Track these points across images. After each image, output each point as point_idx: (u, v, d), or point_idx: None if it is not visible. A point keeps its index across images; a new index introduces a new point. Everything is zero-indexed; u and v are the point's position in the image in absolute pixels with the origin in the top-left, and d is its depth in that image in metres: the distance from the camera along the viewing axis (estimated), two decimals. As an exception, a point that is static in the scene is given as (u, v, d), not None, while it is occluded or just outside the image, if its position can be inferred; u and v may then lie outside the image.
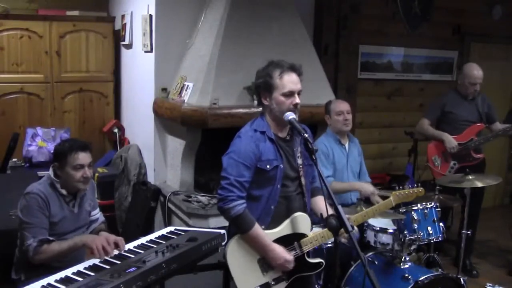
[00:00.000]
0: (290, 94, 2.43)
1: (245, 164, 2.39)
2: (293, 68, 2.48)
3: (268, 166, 2.43)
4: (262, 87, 2.49)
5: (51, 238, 2.51)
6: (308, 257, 2.53)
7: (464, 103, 4.22)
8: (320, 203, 2.60)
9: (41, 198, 2.54)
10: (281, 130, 2.52)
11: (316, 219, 2.59)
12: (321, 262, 2.53)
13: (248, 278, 2.41)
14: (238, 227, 2.41)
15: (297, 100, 2.43)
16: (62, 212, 2.63)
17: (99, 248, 2.34)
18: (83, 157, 2.62)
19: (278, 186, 2.46)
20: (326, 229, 2.45)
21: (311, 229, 2.55)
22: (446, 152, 4.18)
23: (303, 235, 2.49)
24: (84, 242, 2.43)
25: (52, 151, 2.75)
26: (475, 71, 4.14)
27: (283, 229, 2.47)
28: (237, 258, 2.42)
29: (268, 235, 2.42)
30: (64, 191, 2.65)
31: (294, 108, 2.43)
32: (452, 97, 4.28)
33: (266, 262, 2.44)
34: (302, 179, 2.53)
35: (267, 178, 2.45)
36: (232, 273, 2.40)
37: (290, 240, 2.47)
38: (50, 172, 2.67)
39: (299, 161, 2.52)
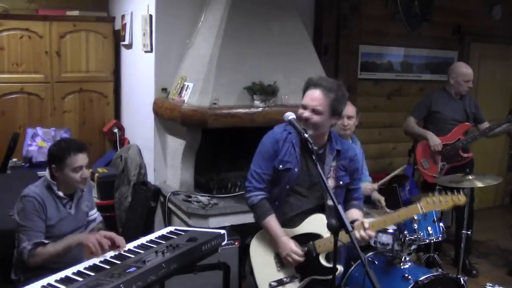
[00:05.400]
0: (303, 107, 2.50)
1: (264, 156, 2.52)
2: (326, 88, 2.46)
3: (280, 166, 2.50)
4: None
5: (46, 241, 2.49)
6: (326, 260, 2.48)
7: (451, 103, 4.23)
8: (351, 211, 2.60)
9: (37, 201, 2.53)
10: (316, 142, 2.43)
11: None
12: (336, 268, 2.35)
13: (265, 271, 2.52)
14: (254, 215, 2.58)
15: (305, 114, 2.45)
16: (59, 215, 2.62)
17: (95, 243, 2.32)
18: (81, 158, 2.61)
19: (287, 187, 2.52)
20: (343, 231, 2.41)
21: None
22: (434, 153, 4.18)
23: (319, 236, 2.49)
24: (78, 241, 2.43)
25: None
26: (465, 69, 4.20)
27: (301, 227, 2.52)
28: (258, 250, 2.55)
29: (284, 231, 2.50)
30: (60, 193, 2.63)
31: (300, 120, 2.43)
32: (439, 97, 4.28)
33: (281, 258, 2.51)
34: (327, 199, 2.47)
35: (278, 177, 2.53)
36: (252, 264, 2.53)
37: (306, 240, 2.50)
38: (47, 174, 2.65)
39: (330, 181, 2.49)
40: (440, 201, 2.43)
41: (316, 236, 2.49)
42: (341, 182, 2.56)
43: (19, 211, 2.54)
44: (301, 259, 2.45)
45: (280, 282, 2.48)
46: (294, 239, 2.49)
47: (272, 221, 2.49)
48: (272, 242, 2.52)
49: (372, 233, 2.39)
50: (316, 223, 2.49)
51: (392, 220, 2.56)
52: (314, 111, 2.45)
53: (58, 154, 2.59)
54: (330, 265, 2.45)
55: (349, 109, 3.45)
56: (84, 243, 2.38)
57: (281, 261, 2.51)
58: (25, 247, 2.46)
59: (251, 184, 2.55)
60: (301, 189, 2.53)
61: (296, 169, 2.49)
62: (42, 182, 2.65)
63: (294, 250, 2.45)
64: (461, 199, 2.45)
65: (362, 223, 2.38)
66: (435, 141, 4.13)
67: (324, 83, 2.48)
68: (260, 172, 2.52)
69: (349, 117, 3.42)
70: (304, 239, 2.49)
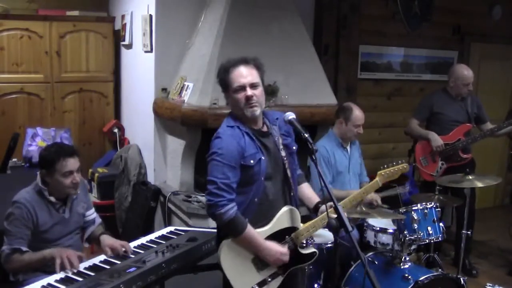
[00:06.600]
0: (240, 88, 2.34)
1: (230, 165, 2.30)
2: (244, 61, 2.39)
3: (252, 161, 2.34)
4: (221, 87, 2.46)
5: (24, 249, 2.45)
6: (302, 248, 2.49)
7: (452, 104, 4.23)
8: (306, 191, 2.60)
9: (26, 209, 2.50)
10: (255, 123, 2.43)
11: (313, 216, 2.56)
12: (315, 251, 2.50)
13: (244, 278, 2.38)
14: (231, 231, 2.34)
15: (248, 92, 2.32)
16: (52, 220, 2.58)
17: (63, 258, 2.30)
18: (72, 163, 2.56)
19: (262, 179, 2.39)
20: (316, 219, 2.45)
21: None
22: (434, 152, 4.19)
23: (295, 229, 2.46)
24: (52, 255, 2.38)
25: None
26: (466, 72, 4.18)
27: (274, 225, 2.42)
28: (231, 260, 2.37)
29: (259, 234, 2.38)
30: (52, 199, 2.59)
31: (246, 102, 2.33)
32: (440, 98, 4.28)
33: (260, 260, 2.40)
34: (288, 172, 2.46)
35: (252, 173, 2.36)
36: (228, 276, 2.36)
37: (282, 235, 2.43)
38: (38, 179, 2.62)
39: (283, 153, 2.45)
40: (392, 172, 2.77)
41: (288, 230, 2.44)
42: (294, 148, 2.51)
43: (8, 215, 2.51)
44: (288, 257, 2.41)
45: (263, 283, 2.40)
46: (269, 239, 2.40)
47: (252, 231, 2.33)
48: (246, 249, 2.37)
49: (345, 214, 2.36)
50: (286, 218, 2.44)
51: (358, 196, 2.67)
52: (253, 86, 2.35)
53: (48, 159, 2.55)
54: (309, 251, 2.51)
55: (363, 117, 3.54)
56: (55, 257, 2.33)
57: (260, 262, 2.40)
58: (3, 251, 2.45)
59: (222, 197, 2.26)
60: (270, 173, 2.42)
61: (263, 157, 2.39)
62: (33, 188, 2.61)
63: (284, 252, 2.38)
64: (405, 167, 2.81)
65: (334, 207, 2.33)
66: (438, 142, 4.13)
67: (245, 58, 2.39)
68: (228, 182, 2.27)
69: (362, 125, 3.54)
70: (277, 235, 2.42)
